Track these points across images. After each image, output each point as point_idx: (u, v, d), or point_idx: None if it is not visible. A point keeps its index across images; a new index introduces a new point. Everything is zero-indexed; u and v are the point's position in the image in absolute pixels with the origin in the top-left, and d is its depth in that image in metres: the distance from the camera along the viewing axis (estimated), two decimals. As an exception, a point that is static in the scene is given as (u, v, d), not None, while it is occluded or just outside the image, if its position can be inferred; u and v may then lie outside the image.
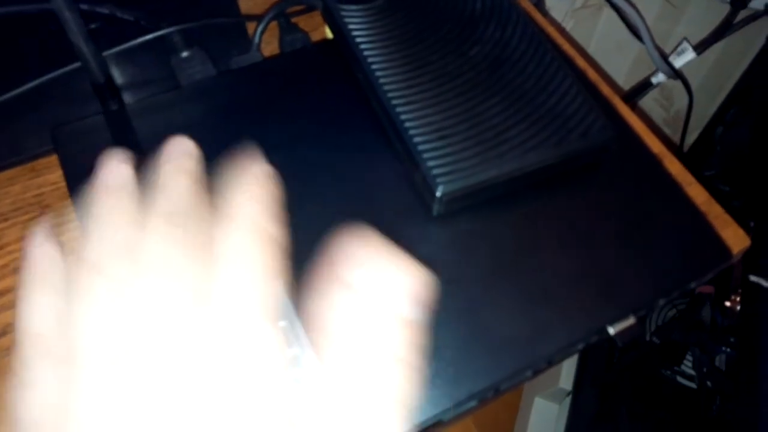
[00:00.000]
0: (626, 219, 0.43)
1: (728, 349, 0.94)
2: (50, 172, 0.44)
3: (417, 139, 0.40)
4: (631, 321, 0.39)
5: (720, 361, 0.97)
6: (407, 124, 0.41)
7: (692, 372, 0.99)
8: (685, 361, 1.01)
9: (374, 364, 0.23)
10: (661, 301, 0.41)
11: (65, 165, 0.43)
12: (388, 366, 0.23)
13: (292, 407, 0.22)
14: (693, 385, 1.00)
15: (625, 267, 0.41)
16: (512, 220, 0.42)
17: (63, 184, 0.43)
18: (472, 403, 0.37)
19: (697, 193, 0.47)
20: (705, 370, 0.95)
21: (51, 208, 0.43)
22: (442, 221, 0.41)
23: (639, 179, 0.45)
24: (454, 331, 0.37)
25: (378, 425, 0.22)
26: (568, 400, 1.09)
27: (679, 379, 1.00)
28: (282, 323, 0.24)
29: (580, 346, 0.39)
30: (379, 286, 0.24)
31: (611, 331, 0.39)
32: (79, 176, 0.43)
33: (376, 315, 0.23)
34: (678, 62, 0.74)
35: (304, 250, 0.41)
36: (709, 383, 0.95)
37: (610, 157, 0.45)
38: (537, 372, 0.39)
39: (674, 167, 0.48)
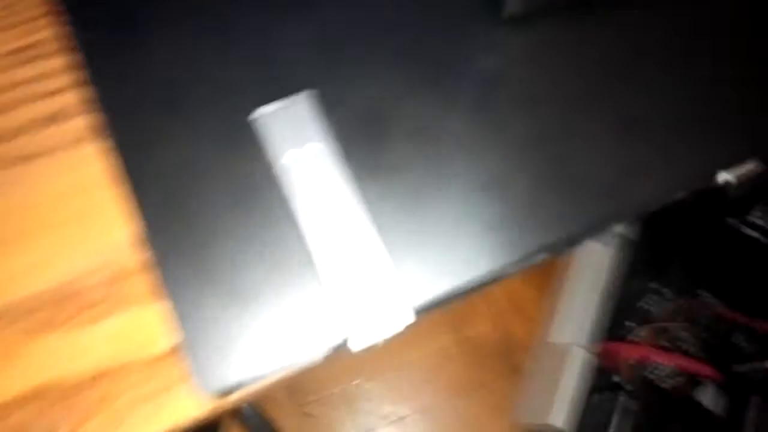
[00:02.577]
0: (747, 35, 0.33)
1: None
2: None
3: None
4: (750, 166, 0.31)
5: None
6: None
7: (761, 222, 0.91)
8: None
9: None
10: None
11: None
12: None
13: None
14: (757, 235, 0.92)
15: (745, 95, 0.32)
16: (602, 30, 0.32)
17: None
18: (542, 256, 0.30)
19: None
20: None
21: None
22: (515, 25, 0.32)
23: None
24: (524, 167, 0.30)
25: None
26: (617, 243, 1.03)
27: (744, 229, 0.93)
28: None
29: (680, 195, 0.31)
30: None
31: (725, 177, 0.31)
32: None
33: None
34: None
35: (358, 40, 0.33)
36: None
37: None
38: (623, 222, 0.31)
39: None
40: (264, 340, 0.27)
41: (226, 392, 0.27)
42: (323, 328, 0.28)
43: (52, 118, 0.32)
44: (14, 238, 0.31)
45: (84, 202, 0.32)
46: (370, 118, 0.30)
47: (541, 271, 1.19)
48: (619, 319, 0.98)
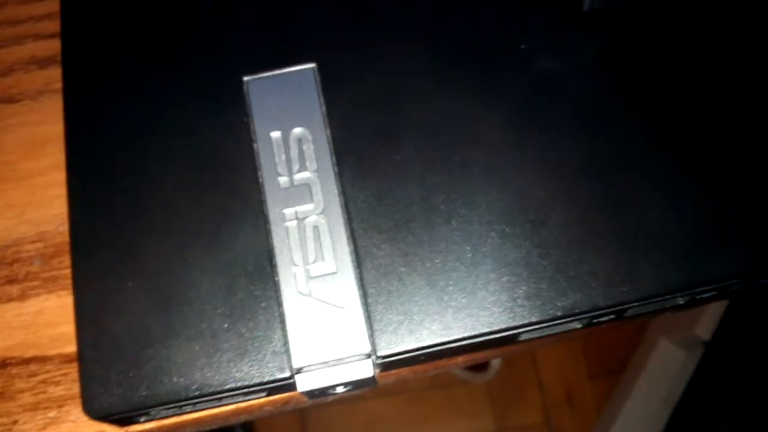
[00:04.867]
0: None
1: None
2: None
3: None
4: None
5: None
6: None
7: None
8: None
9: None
10: None
11: None
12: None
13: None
14: None
15: None
16: (699, 39, 0.24)
17: None
18: (573, 325, 0.22)
19: None
20: None
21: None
22: (593, 26, 0.24)
23: None
24: (570, 203, 0.22)
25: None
26: (700, 352, 0.90)
27: None
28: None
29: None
30: None
31: None
32: None
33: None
34: None
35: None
36: None
37: None
38: (693, 302, 0.23)
39: None
40: (190, 362, 0.21)
41: (118, 420, 0.21)
42: (270, 357, 0.21)
43: (50, 61, 0.28)
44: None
45: (44, 160, 0.27)
46: (383, 105, 0.23)
47: (608, 368, 1.07)
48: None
